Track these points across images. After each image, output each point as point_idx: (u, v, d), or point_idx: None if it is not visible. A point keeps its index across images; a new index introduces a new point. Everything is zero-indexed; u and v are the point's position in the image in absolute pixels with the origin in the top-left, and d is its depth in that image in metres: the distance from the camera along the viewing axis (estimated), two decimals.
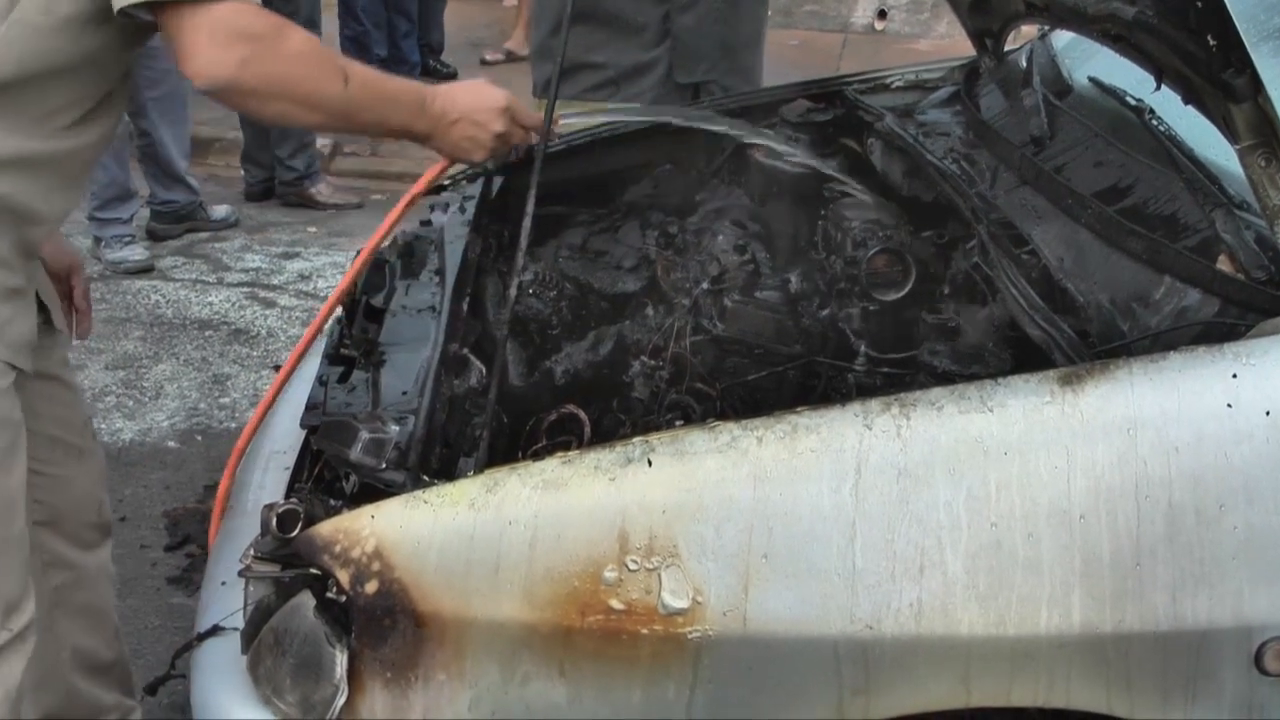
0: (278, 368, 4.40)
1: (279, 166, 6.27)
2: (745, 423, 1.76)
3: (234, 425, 4.16)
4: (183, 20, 1.82)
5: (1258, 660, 1.71)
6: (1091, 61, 2.67)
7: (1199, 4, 1.75)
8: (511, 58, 8.26)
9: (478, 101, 2.18)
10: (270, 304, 5.19)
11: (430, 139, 2.16)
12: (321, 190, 6.35)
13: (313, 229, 6.07)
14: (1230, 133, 1.86)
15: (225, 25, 1.83)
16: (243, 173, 6.48)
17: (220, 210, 6.02)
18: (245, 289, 5.33)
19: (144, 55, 2.08)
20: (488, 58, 8.69)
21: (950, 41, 2.90)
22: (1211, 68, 1.80)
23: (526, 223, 2.04)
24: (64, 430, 2.28)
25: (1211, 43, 1.77)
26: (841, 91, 3.10)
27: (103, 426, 4.12)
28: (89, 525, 2.39)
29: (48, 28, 1.87)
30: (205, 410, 4.34)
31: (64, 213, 2.07)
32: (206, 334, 4.89)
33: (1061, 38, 2.89)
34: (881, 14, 9.21)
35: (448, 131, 2.15)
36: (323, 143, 6.80)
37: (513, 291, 2.03)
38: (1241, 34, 1.71)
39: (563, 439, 2.22)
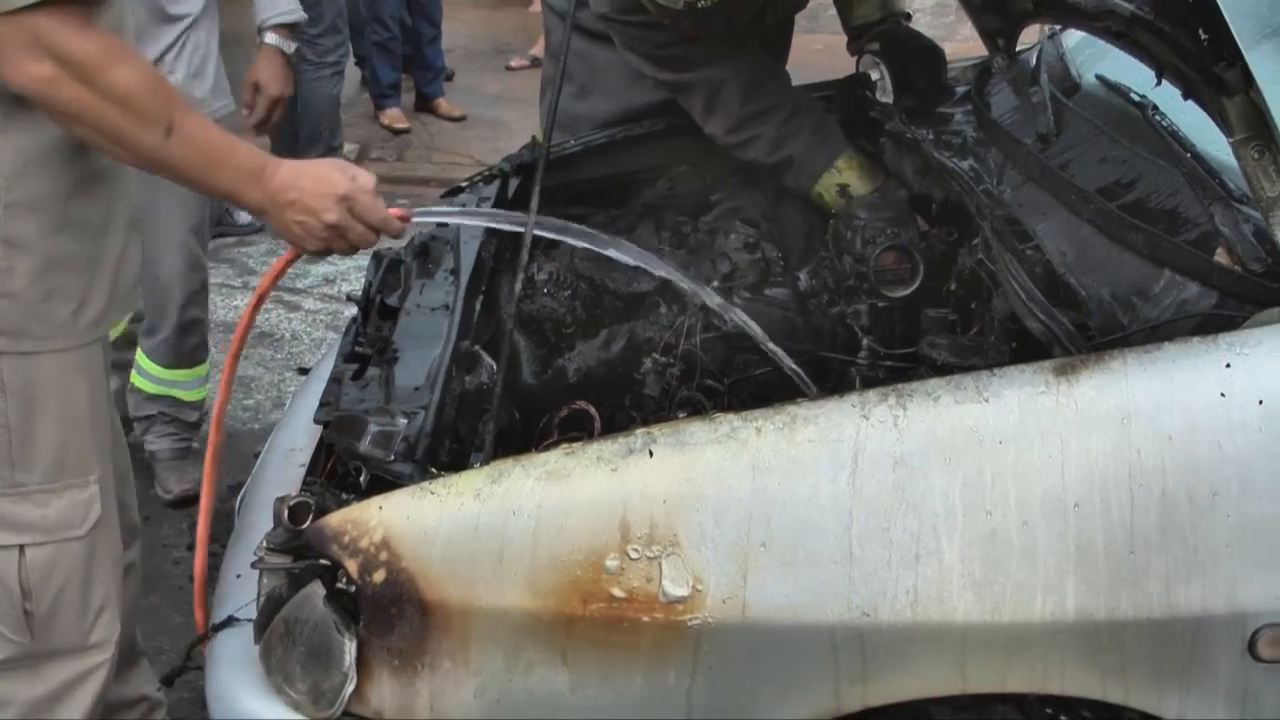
0: (301, 370, 4.46)
1: None
2: (745, 414, 1.78)
3: (257, 427, 4.21)
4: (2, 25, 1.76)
5: (1251, 647, 1.72)
6: (1105, 60, 2.68)
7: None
8: (537, 63, 8.28)
9: (317, 185, 1.99)
10: (295, 307, 5.24)
11: (264, 214, 2.03)
12: None
13: None
14: (1225, 126, 1.87)
15: (43, 39, 1.77)
16: None
17: (246, 215, 6.05)
18: (270, 292, 5.36)
19: None
20: (513, 64, 8.75)
21: (975, 44, 2.92)
22: (1204, 62, 1.82)
23: (530, 219, 2.07)
24: None
25: (1203, 37, 1.79)
26: (854, 90, 3.12)
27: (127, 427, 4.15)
28: (121, 527, 2.41)
29: None
30: (229, 412, 4.37)
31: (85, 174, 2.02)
32: (231, 337, 4.93)
33: (1072, 37, 2.90)
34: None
35: (281, 211, 2.00)
36: (349, 148, 6.85)
37: (518, 286, 2.06)
38: (1231, 27, 1.73)
39: (574, 435, 2.26)
